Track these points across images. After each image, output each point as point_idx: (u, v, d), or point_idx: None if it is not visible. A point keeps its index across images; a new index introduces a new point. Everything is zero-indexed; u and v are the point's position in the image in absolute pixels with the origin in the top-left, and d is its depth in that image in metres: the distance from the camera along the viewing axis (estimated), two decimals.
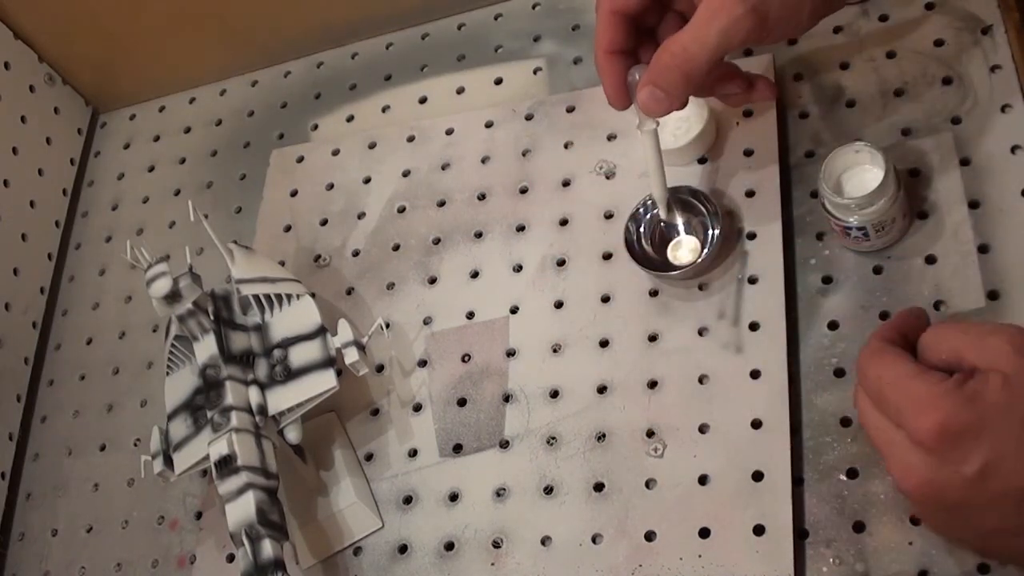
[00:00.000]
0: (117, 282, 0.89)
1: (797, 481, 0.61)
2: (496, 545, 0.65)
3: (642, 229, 0.69)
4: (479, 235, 0.76)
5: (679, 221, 0.68)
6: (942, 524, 0.55)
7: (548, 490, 0.66)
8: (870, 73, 0.70)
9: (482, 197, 0.78)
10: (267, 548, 0.61)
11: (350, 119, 0.87)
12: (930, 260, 0.64)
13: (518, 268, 0.74)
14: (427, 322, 0.75)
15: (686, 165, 0.72)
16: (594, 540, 0.63)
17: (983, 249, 0.63)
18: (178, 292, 0.67)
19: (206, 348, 0.67)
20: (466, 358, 0.72)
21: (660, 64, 0.58)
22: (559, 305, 0.71)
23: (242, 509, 0.62)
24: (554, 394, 0.69)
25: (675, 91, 0.59)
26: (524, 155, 0.78)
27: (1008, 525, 0.49)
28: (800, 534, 0.59)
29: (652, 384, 0.66)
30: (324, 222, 0.82)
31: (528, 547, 0.65)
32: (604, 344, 0.69)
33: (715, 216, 0.67)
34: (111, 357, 0.85)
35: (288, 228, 0.83)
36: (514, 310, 0.73)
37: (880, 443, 0.52)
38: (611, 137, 0.75)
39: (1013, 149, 0.64)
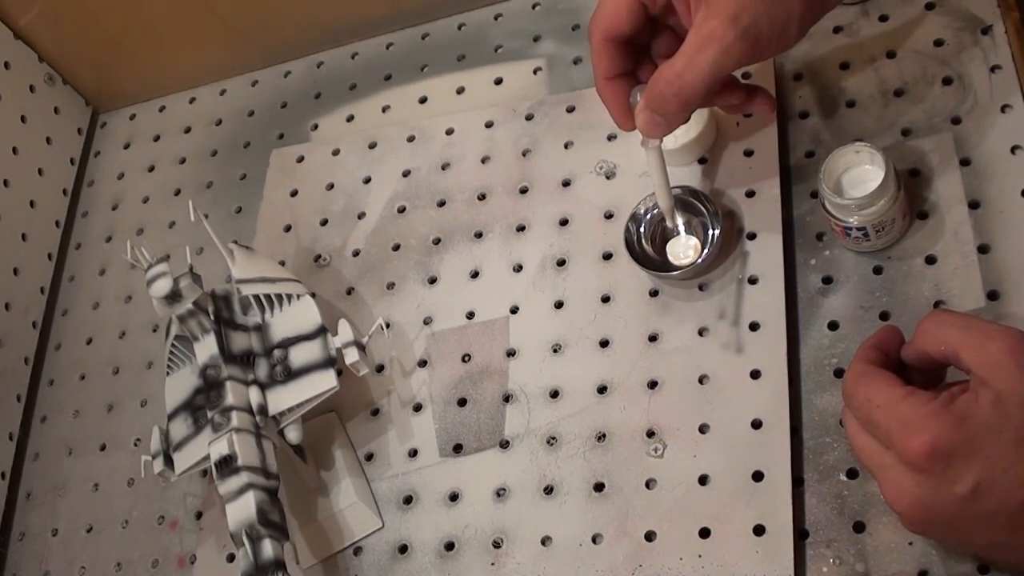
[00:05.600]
0: (117, 282, 0.89)
1: (797, 481, 0.61)
2: (496, 545, 0.65)
3: (642, 229, 0.69)
4: (479, 235, 0.76)
5: (679, 221, 0.68)
6: (936, 539, 0.56)
7: (548, 490, 0.66)
8: (870, 73, 0.70)
9: (482, 197, 0.78)
10: (267, 548, 0.61)
11: (350, 119, 0.87)
12: (930, 260, 0.64)
13: (518, 268, 0.74)
14: (427, 322, 0.75)
15: (686, 165, 0.72)
16: (594, 540, 0.63)
17: (983, 249, 0.63)
18: (178, 292, 0.67)
19: (206, 348, 0.67)
20: (466, 358, 0.72)
21: (656, 91, 0.58)
22: (559, 305, 0.71)
23: (242, 509, 0.62)
24: (554, 394, 0.69)
25: (672, 116, 0.59)
26: (524, 155, 0.78)
27: (1001, 540, 0.49)
28: (800, 534, 0.59)
29: (652, 384, 0.66)
30: (324, 222, 0.82)
31: (528, 547, 0.65)
32: (604, 344, 0.69)
33: (715, 216, 0.67)
34: (111, 357, 0.85)
35: (288, 228, 0.83)
36: (514, 310, 0.73)
37: (871, 465, 0.52)
38: (611, 137, 0.75)
39: (1013, 149, 0.65)
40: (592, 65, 0.62)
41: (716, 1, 0.55)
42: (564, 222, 0.74)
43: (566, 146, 0.77)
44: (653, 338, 0.68)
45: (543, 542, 0.64)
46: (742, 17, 0.54)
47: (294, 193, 0.85)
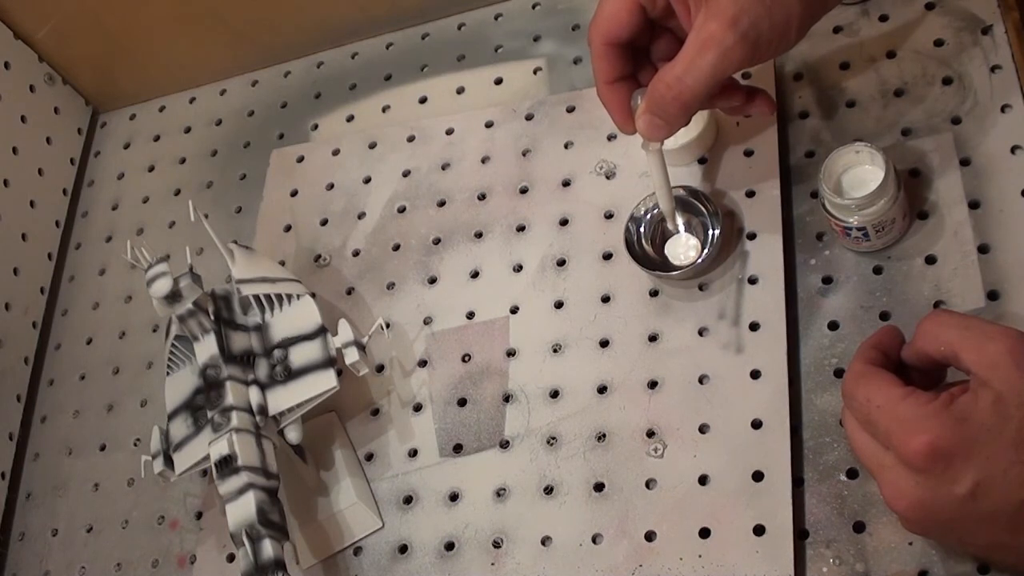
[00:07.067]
0: (117, 282, 0.89)
1: (797, 481, 0.61)
2: (496, 545, 0.65)
3: (642, 229, 0.69)
4: (479, 235, 0.76)
5: (680, 222, 0.68)
6: (935, 540, 0.56)
7: (548, 490, 0.66)
8: (870, 73, 0.70)
9: (482, 197, 0.78)
10: (267, 548, 0.61)
11: (350, 119, 0.87)
12: (930, 260, 0.64)
13: (518, 268, 0.74)
14: (427, 322, 0.75)
15: (686, 165, 0.72)
16: (594, 540, 0.63)
17: (983, 249, 0.63)
18: (178, 292, 0.67)
19: (206, 348, 0.67)
20: (466, 358, 0.72)
21: (656, 94, 0.58)
22: (559, 305, 0.71)
23: (242, 509, 0.62)
24: (554, 394, 0.69)
25: (673, 119, 0.59)
26: (524, 155, 0.78)
27: (1001, 541, 0.49)
28: (800, 534, 0.59)
29: (652, 384, 0.66)
30: (324, 222, 0.82)
31: (528, 547, 0.65)
32: (604, 344, 0.69)
33: (715, 216, 0.67)
34: (111, 357, 0.85)
35: (288, 228, 0.83)
36: (514, 310, 0.73)
37: (870, 466, 0.52)
38: (611, 137, 0.75)
39: (1013, 149, 0.65)
40: (593, 69, 0.62)
41: (715, 4, 0.55)
42: (564, 222, 0.74)
43: (566, 146, 0.77)
44: (653, 338, 0.68)
45: (543, 542, 0.64)
46: (742, 20, 0.54)
47: (294, 193, 0.85)
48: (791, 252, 0.67)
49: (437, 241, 0.77)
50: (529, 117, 0.79)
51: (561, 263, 0.73)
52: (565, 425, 0.67)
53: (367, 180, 0.82)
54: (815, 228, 0.67)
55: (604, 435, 0.66)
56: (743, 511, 0.60)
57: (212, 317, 0.68)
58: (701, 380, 0.65)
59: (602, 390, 0.67)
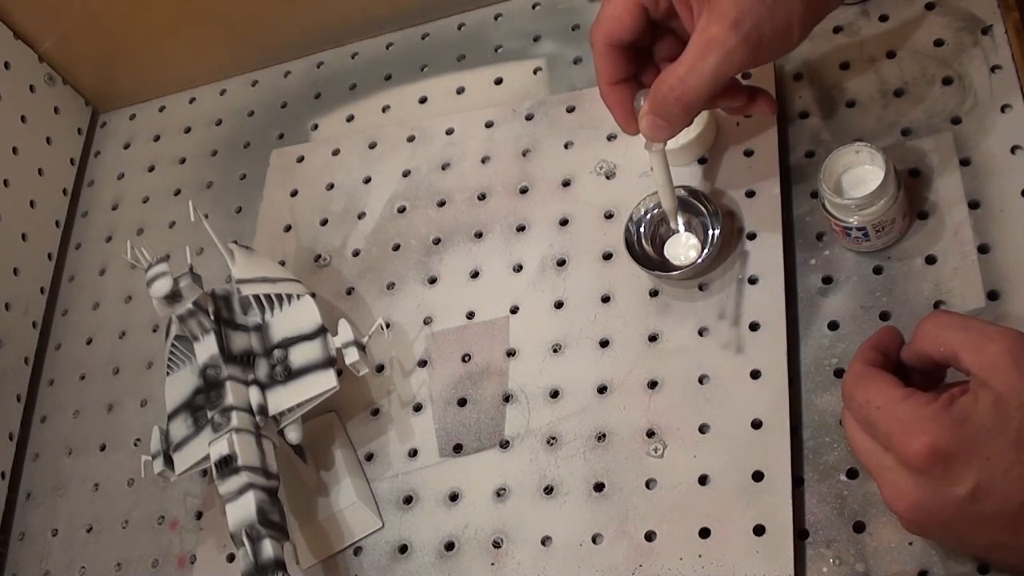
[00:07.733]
0: (117, 282, 0.89)
1: (797, 481, 0.61)
2: (496, 545, 0.65)
3: (642, 229, 0.69)
4: (479, 235, 0.76)
5: (681, 222, 0.68)
6: (935, 540, 0.56)
7: (548, 490, 0.66)
8: (870, 73, 0.71)
9: (482, 197, 0.78)
10: (267, 548, 0.61)
11: (350, 119, 0.87)
12: (930, 260, 0.64)
13: (518, 268, 0.74)
14: (427, 322, 0.75)
15: (686, 165, 0.72)
16: (594, 540, 0.63)
17: (983, 249, 0.63)
18: (178, 292, 0.67)
19: (206, 348, 0.67)
20: (466, 358, 0.72)
21: (659, 95, 0.58)
22: (559, 305, 0.71)
23: (242, 509, 0.62)
24: (554, 394, 0.69)
25: (676, 120, 0.59)
26: (524, 155, 0.78)
27: (1001, 542, 0.49)
28: (800, 534, 0.59)
29: (652, 384, 0.66)
30: (324, 222, 0.82)
31: (528, 547, 0.65)
32: (604, 344, 0.69)
33: (715, 216, 0.67)
34: (111, 357, 0.85)
35: (288, 228, 0.83)
36: (514, 310, 0.73)
37: (870, 467, 0.52)
38: (611, 137, 0.75)
39: (1013, 149, 0.65)
40: (595, 70, 0.62)
41: (718, 6, 0.55)
42: (564, 222, 0.74)
43: (566, 146, 0.77)
44: (653, 338, 0.68)
45: (543, 542, 0.64)
46: (744, 22, 0.54)
47: (294, 193, 0.85)
48: (791, 252, 0.67)
49: (437, 241, 0.77)
50: (529, 117, 0.79)
51: (561, 263, 0.73)
52: (565, 425, 0.67)
53: (367, 180, 0.82)
54: (815, 228, 0.67)
55: (604, 435, 0.66)
56: (743, 511, 0.60)
57: (212, 317, 0.68)
58: (701, 380, 0.65)
59: (602, 390, 0.67)
